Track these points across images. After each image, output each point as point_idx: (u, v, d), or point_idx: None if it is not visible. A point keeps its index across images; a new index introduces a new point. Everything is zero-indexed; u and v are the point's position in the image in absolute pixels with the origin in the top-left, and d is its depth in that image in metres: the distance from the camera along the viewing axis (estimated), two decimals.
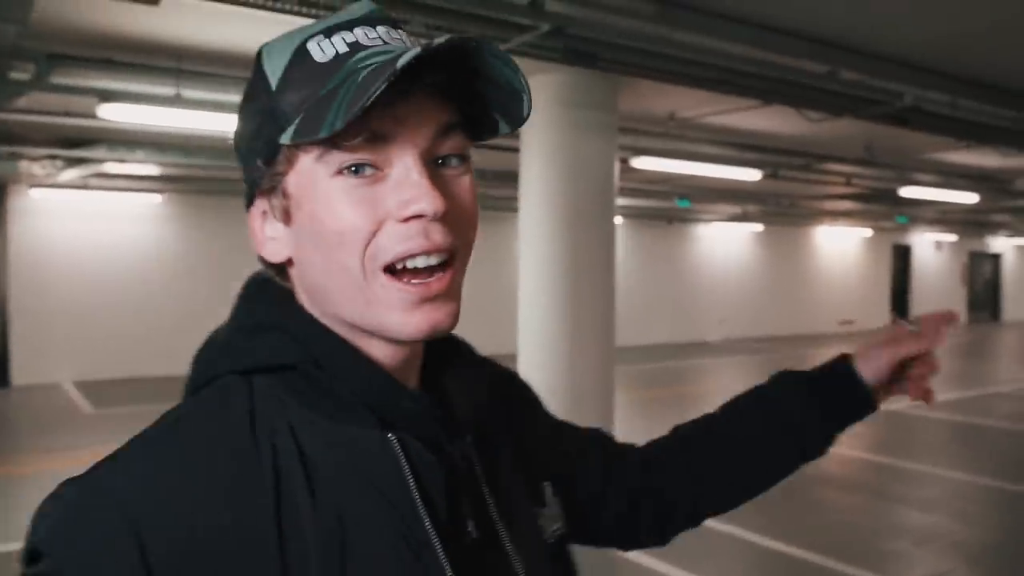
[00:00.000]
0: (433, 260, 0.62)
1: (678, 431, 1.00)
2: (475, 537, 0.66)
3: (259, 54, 0.65)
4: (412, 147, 0.61)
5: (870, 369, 0.97)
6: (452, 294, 0.64)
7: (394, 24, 0.64)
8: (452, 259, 0.64)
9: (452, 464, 0.66)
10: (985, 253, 24.05)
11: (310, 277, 0.66)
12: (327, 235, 0.61)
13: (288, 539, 0.59)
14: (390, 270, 0.62)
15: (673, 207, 13.24)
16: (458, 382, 0.73)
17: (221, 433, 0.61)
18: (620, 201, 12.33)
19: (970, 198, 10.95)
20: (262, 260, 0.69)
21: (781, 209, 14.23)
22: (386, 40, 0.62)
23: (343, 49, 0.61)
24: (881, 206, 13.24)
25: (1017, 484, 6.01)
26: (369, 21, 0.63)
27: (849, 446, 7.60)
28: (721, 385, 11.16)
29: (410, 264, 0.62)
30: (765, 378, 1.03)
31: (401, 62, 0.55)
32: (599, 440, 0.96)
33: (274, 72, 0.63)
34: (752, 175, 8.73)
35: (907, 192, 10.41)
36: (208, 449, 0.61)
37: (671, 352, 14.75)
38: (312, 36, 0.63)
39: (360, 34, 0.62)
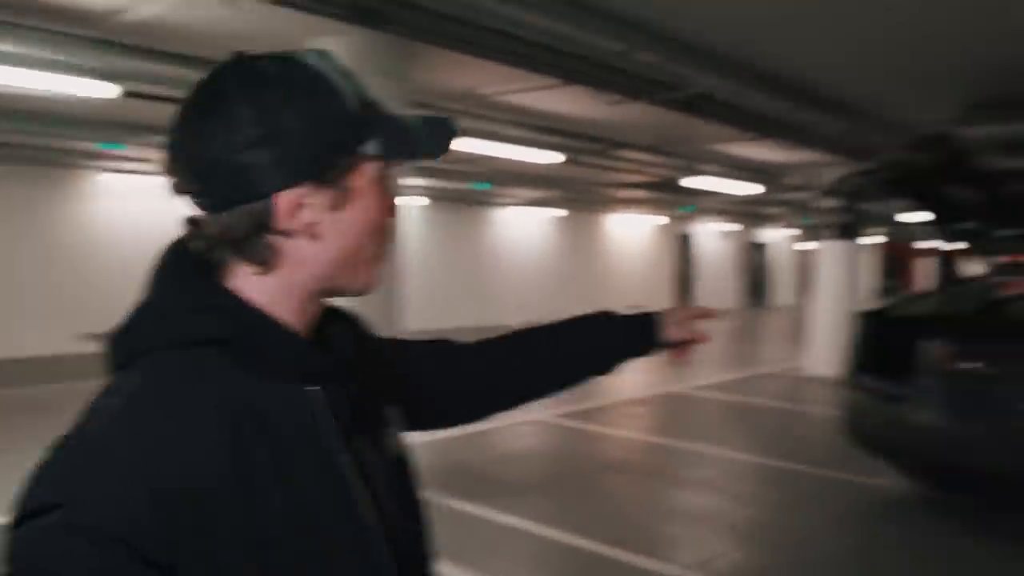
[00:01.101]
0: None
1: (510, 334, 1.28)
2: (359, 456, 0.87)
3: (316, 71, 0.82)
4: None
5: (668, 327, 1.27)
6: None
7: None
8: None
9: (350, 400, 0.87)
10: (754, 243, 26.14)
11: (327, 252, 0.83)
12: (370, 223, 0.85)
13: (252, 477, 0.75)
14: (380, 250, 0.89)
15: (475, 189, 13.09)
16: (336, 334, 0.92)
17: (190, 399, 0.76)
18: (419, 181, 12.05)
19: (755, 189, 11.64)
20: (202, 237, 0.83)
21: (580, 195, 14.51)
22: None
23: (372, 98, 0.86)
24: (670, 195, 13.83)
25: (784, 461, 6.34)
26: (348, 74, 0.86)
27: (630, 428, 7.78)
28: None
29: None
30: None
31: (453, 127, 0.91)
32: (438, 344, 1.24)
33: (349, 97, 0.82)
34: (553, 158, 8.69)
35: (693, 182, 10.86)
36: (183, 413, 0.75)
37: (470, 335, 14.59)
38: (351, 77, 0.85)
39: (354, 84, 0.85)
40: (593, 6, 4.43)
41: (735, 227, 23.90)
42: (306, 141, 0.79)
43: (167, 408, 0.74)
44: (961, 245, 6.38)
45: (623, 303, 14.03)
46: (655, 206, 18.16)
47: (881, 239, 21.71)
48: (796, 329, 18.21)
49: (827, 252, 11.30)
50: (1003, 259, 6.10)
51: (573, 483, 5.82)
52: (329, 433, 0.82)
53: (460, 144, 7.60)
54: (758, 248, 26.56)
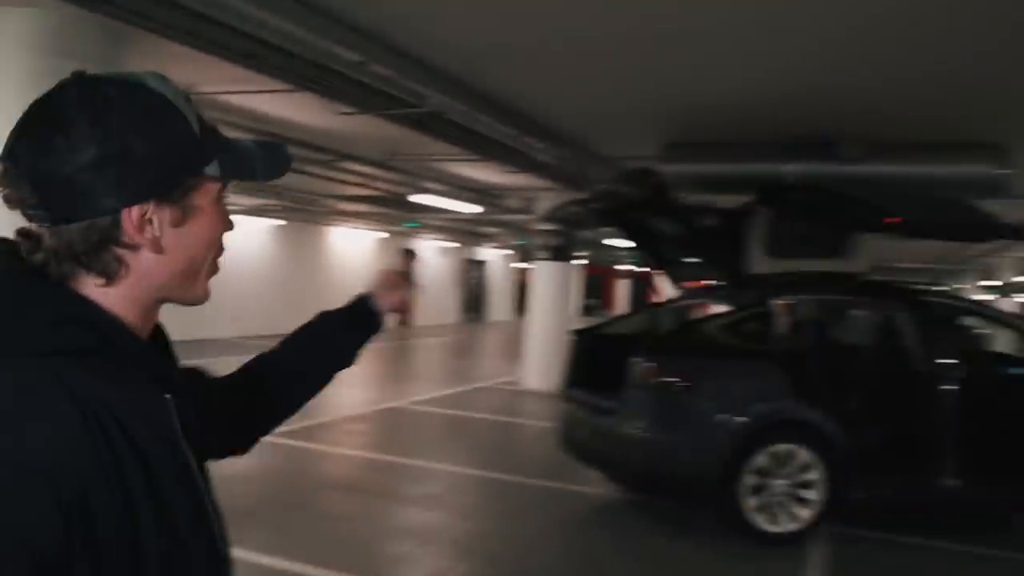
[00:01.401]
0: None
1: (257, 359, 1.36)
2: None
3: (164, 97, 0.85)
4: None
5: (380, 303, 1.47)
6: None
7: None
8: None
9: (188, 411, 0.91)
10: (474, 260, 27.17)
11: (170, 264, 0.87)
12: (210, 238, 0.91)
13: (123, 477, 0.78)
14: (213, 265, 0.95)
15: None
16: (164, 346, 0.98)
17: (58, 403, 0.76)
18: None
19: (475, 208, 12.02)
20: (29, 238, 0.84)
21: (302, 205, 14.04)
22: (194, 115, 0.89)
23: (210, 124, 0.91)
24: (397, 211, 13.87)
25: (503, 473, 6.57)
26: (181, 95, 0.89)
27: (351, 446, 7.63)
28: None
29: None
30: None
31: (288, 155, 0.98)
32: (204, 378, 1.22)
33: (192, 120, 0.87)
34: None
35: (421, 199, 10.98)
36: (52, 415, 0.76)
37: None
38: (186, 98, 0.88)
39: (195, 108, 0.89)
40: (327, 9, 4.28)
41: (454, 244, 24.60)
42: (152, 162, 0.83)
43: (36, 410, 0.76)
44: (659, 270, 7.05)
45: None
46: (379, 220, 18.14)
47: (584, 261, 23.57)
48: (512, 344, 19.20)
49: (541, 272, 11.99)
50: (693, 284, 6.84)
51: (296, 506, 5.54)
52: (182, 443, 0.87)
53: None
54: (477, 265, 27.61)
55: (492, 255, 28.11)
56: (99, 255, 0.82)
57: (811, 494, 5.09)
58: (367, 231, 20.36)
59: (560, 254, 11.68)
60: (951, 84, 5.20)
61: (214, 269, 0.94)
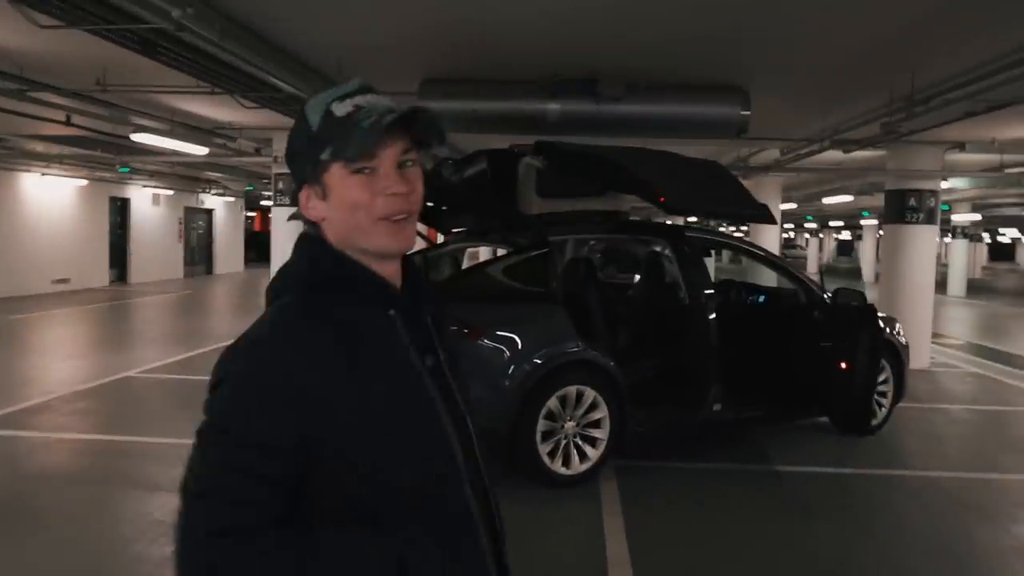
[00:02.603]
0: (402, 215, 1.16)
1: None
2: (430, 365, 1.20)
3: (303, 109, 1.18)
4: (392, 159, 1.15)
5: None
6: (412, 233, 1.19)
7: (372, 89, 1.17)
8: (413, 215, 1.18)
9: (422, 325, 1.23)
10: (199, 208, 24.92)
11: (336, 227, 1.16)
12: (351, 203, 1.14)
13: (356, 369, 1.09)
14: (382, 219, 1.15)
15: None
16: (421, 289, 1.27)
17: (311, 321, 1.12)
18: None
19: (201, 150, 10.76)
20: (303, 219, 1.20)
21: None
22: (373, 102, 1.15)
23: (351, 109, 1.13)
24: (104, 153, 12.08)
25: None
26: (361, 91, 1.16)
27: (81, 428, 6.53)
28: None
29: (394, 217, 1.15)
30: None
31: (385, 122, 1.10)
32: None
33: (313, 121, 1.15)
34: None
35: (141, 139, 9.57)
36: (305, 331, 1.11)
37: None
38: (333, 100, 1.15)
39: (359, 99, 1.15)
40: None
41: (169, 192, 22.29)
42: (292, 159, 1.20)
43: (299, 325, 1.11)
44: (426, 223, 6.70)
45: (46, 277, 12.07)
46: (79, 166, 15.76)
47: None
48: (246, 299, 17.89)
49: (282, 219, 11.14)
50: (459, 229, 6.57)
51: (26, 513, 4.54)
52: (404, 344, 1.16)
53: None
54: (202, 214, 25.35)
55: (218, 203, 25.95)
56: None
57: (599, 433, 5.12)
58: (67, 178, 17.68)
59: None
60: (699, 23, 5.30)
61: (386, 227, 1.15)
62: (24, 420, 6.56)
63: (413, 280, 1.24)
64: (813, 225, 42.25)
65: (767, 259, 6.48)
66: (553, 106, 6.63)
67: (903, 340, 6.81)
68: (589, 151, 5.54)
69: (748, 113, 6.53)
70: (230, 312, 16.23)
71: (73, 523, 4.45)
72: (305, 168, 1.15)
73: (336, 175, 1.12)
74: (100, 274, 19.64)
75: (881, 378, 6.55)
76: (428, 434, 1.13)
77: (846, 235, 53.54)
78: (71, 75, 7.18)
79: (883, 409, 6.62)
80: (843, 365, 5.86)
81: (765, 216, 5.66)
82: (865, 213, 26.44)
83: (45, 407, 6.99)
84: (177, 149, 10.67)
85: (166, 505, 4.63)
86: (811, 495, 5.23)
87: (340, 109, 1.12)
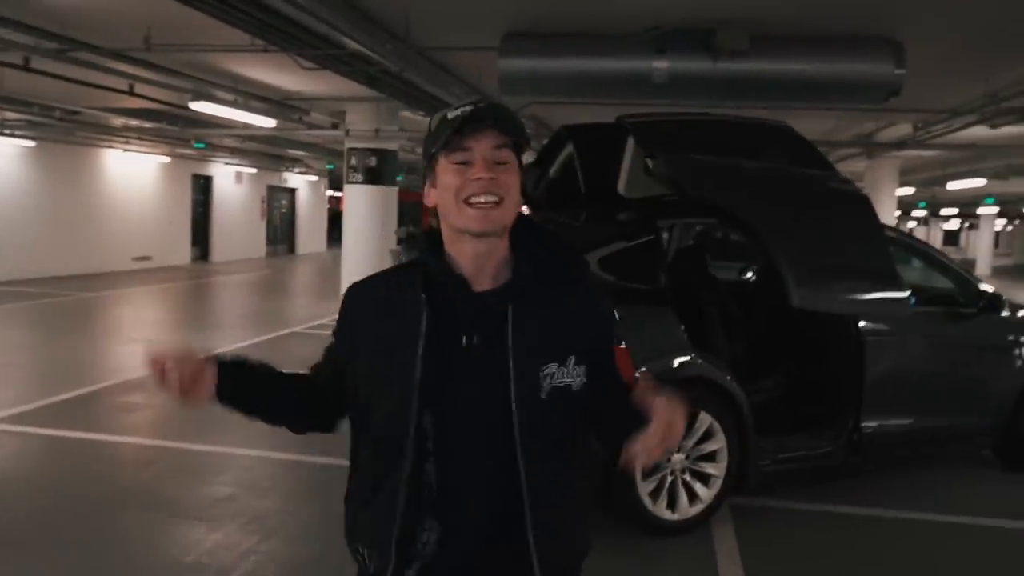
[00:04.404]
0: (488, 199, 1.33)
1: None
2: (475, 344, 1.37)
3: (431, 118, 1.45)
4: (480, 152, 1.34)
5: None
6: (497, 217, 1.34)
7: (492, 101, 1.41)
8: (501, 202, 1.34)
9: (475, 308, 1.39)
10: (282, 187, 24.69)
11: (441, 209, 1.37)
12: (450, 188, 1.34)
13: (383, 321, 1.42)
14: (467, 202, 1.34)
15: None
16: (525, 273, 1.42)
17: (390, 279, 1.49)
18: None
19: (269, 122, 10.08)
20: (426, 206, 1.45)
21: (52, 119, 11.38)
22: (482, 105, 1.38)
23: (461, 113, 1.35)
24: (176, 126, 11.57)
25: (288, 452, 5.09)
26: (481, 101, 1.39)
27: (132, 429, 5.85)
28: None
29: (475, 200, 1.33)
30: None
31: (451, 115, 1.36)
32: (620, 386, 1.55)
33: (432, 124, 1.40)
34: None
35: (201, 107, 8.92)
36: (385, 282, 1.49)
37: None
38: (455, 108, 1.37)
39: (474, 107, 1.36)
40: None
41: (252, 170, 22.04)
42: (426, 157, 1.42)
43: (382, 277, 1.52)
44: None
45: (127, 254, 11.41)
46: (158, 141, 15.45)
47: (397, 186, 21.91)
48: (326, 280, 17.34)
49: (355, 197, 10.41)
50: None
51: (86, 526, 3.83)
52: (423, 324, 1.36)
53: None
54: (284, 193, 25.14)
55: (301, 181, 25.68)
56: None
57: (712, 469, 4.06)
58: (148, 154, 17.49)
59: (376, 177, 10.16)
60: None
61: (466, 210, 1.34)
62: (61, 416, 5.92)
63: (520, 268, 1.42)
64: (922, 213, 39.42)
65: (926, 254, 5.23)
66: (660, 64, 5.55)
67: None
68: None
69: (903, 71, 5.29)
70: (308, 294, 15.70)
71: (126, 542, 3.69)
72: (427, 163, 1.41)
73: (442, 165, 1.36)
74: (182, 252, 19.50)
75: None
76: (395, 385, 1.36)
77: (953, 225, 49.92)
78: (115, 34, 6.48)
79: None
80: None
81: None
82: (989, 200, 24.12)
83: (85, 401, 6.36)
84: (243, 120, 10.01)
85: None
86: (965, 551, 4.05)
87: (453, 113, 1.36)
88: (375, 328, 1.41)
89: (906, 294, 4.09)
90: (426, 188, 1.41)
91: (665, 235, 4.85)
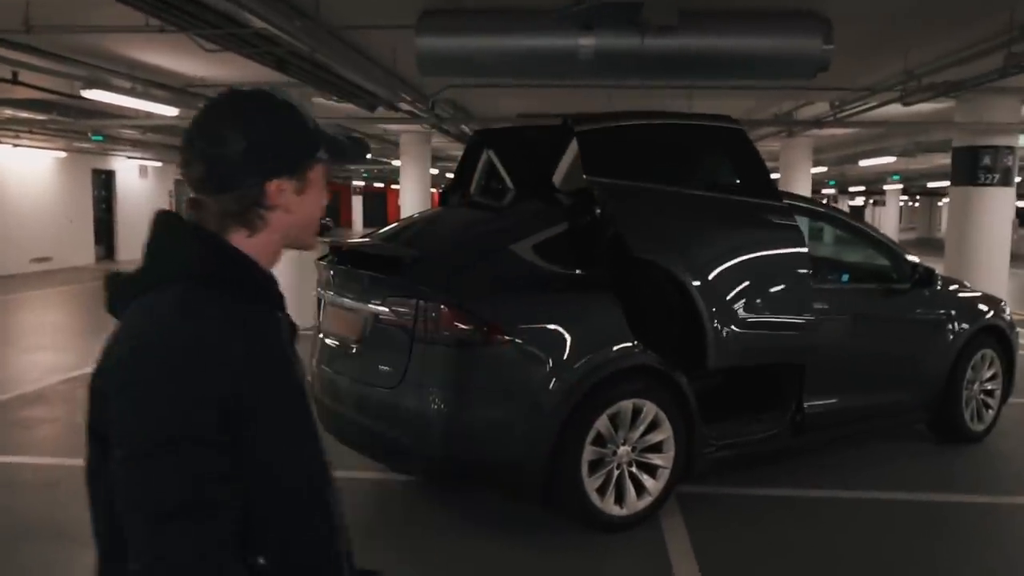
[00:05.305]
0: None
1: None
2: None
3: (287, 99, 1.23)
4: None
5: None
6: None
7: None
8: None
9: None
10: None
11: (296, 219, 1.23)
12: (320, 202, 1.26)
13: (259, 366, 1.13)
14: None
15: None
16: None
17: (215, 314, 1.12)
18: None
19: (171, 111, 9.46)
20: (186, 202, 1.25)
21: None
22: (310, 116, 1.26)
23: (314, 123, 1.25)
24: (66, 116, 10.78)
25: None
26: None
27: (31, 447, 5.33)
28: None
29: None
30: None
31: (361, 144, 1.34)
32: None
33: (308, 116, 1.23)
34: None
35: (94, 95, 8.29)
36: (212, 323, 1.11)
37: None
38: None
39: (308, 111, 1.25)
40: None
41: (160, 164, 21.00)
42: (284, 149, 1.21)
43: (202, 319, 1.11)
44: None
45: (24, 256, 10.60)
46: (57, 135, 14.43)
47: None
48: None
49: None
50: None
51: None
52: (288, 345, 1.24)
53: None
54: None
55: None
56: (247, 214, 1.19)
57: (659, 459, 3.89)
58: (42, 149, 16.39)
59: None
60: None
61: (319, 225, 1.30)
62: None
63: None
64: (831, 191, 40.68)
65: (859, 230, 5.18)
66: (586, 41, 5.33)
67: (1008, 318, 5.54)
68: None
69: (831, 47, 5.21)
70: None
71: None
72: (291, 158, 1.21)
73: (318, 174, 1.25)
74: (85, 251, 18.43)
75: (988, 373, 5.35)
76: (309, 435, 1.22)
77: (858, 201, 51.71)
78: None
79: (990, 411, 5.41)
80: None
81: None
82: (895, 176, 24.96)
83: None
84: (143, 109, 9.38)
85: None
86: (913, 526, 4.02)
87: (333, 128, 1.32)
88: (249, 380, 1.24)
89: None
90: (275, 187, 1.18)
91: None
